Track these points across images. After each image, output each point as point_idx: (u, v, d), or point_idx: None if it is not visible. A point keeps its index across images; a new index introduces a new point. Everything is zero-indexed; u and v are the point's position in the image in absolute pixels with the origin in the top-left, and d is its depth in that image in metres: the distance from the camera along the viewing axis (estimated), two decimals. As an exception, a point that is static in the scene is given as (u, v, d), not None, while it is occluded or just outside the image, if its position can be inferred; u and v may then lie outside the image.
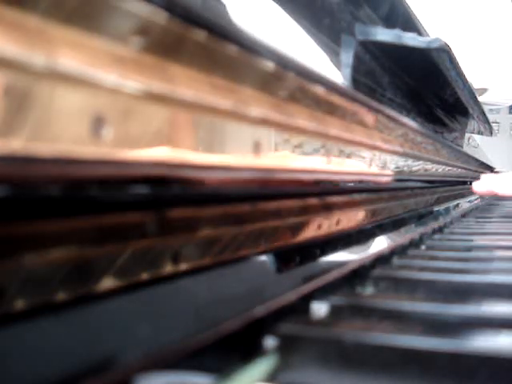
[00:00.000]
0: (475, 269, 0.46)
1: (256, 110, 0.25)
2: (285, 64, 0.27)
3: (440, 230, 0.77)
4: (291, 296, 0.30)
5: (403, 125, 0.55)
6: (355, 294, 0.38)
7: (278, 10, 0.44)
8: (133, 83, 0.17)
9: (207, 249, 0.24)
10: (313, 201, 0.36)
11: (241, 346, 0.25)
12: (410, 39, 0.58)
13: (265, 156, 0.27)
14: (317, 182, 0.35)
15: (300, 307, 0.31)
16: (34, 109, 0.14)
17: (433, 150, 0.73)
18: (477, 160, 1.32)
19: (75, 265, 0.17)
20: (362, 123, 0.42)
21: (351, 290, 0.39)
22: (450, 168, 0.91)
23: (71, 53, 0.15)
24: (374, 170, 0.46)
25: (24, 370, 0.15)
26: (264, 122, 0.26)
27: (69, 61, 0.15)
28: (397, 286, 0.41)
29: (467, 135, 1.31)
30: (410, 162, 0.60)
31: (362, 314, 0.32)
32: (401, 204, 0.61)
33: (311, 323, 0.30)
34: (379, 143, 0.46)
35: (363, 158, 0.43)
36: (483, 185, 0.88)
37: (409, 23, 0.65)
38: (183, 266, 0.22)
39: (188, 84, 0.20)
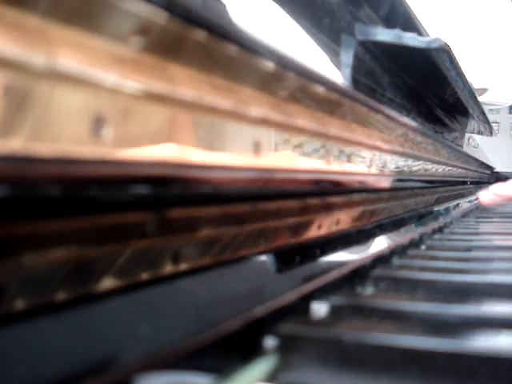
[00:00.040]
0: (475, 269, 0.46)
1: (256, 110, 0.25)
2: (285, 64, 0.27)
3: (440, 230, 0.77)
4: (291, 296, 0.30)
5: (403, 125, 0.55)
6: (355, 294, 0.38)
7: (278, 10, 0.44)
8: (133, 83, 0.17)
9: (207, 249, 0.24)
10: (313, 201, 0.36)
11: (241, 346, 0.25)
12: (409, 39, 0.58)
13: (265, 156, 0.27)
14: (317, 182, 0.35)
15: (300, 307, 0.31)
16: (33, 109, 0.14)
17: (433, 149, 0.73)
18: (477, 160, 1.32)
19: (75, 265, 0.17)
20: (362, 123, 0.42)
21: (351, 290, 0.39)
22: (450, 168, 0.91)
23: (71, 53, 0.15)
24: (374, 170, 0.46)
25: (24, 370, 0.15)
26: (264, 122, 0.26)
27: (69, 61, 0.15)
28: (397, 286, 0.41)
29: (467, 135, 1.31)
30: (410, 161, 0.60)
31: (362, 314, 0.32)
32: (401, 204, 0.61)
33: (311, 323, 0.30)
34: (379, 143, 0.46)
35: (363, 157, 0.43)
36: (492, 194, 0.84)
37: (409, 23, 0.65)
38: (183, 266, 0.22)
39: (188, 84, 0.20)
